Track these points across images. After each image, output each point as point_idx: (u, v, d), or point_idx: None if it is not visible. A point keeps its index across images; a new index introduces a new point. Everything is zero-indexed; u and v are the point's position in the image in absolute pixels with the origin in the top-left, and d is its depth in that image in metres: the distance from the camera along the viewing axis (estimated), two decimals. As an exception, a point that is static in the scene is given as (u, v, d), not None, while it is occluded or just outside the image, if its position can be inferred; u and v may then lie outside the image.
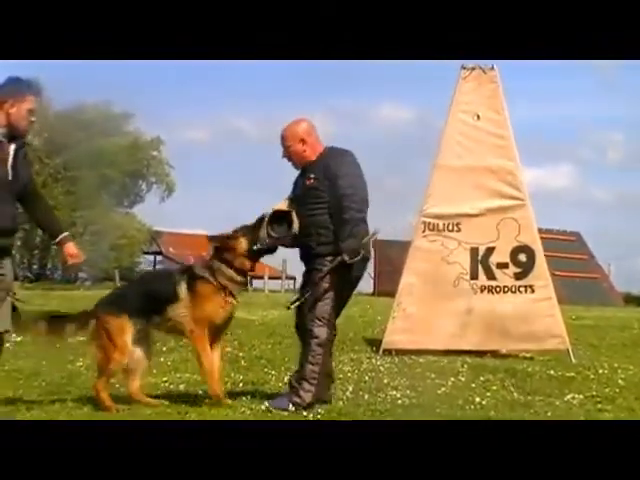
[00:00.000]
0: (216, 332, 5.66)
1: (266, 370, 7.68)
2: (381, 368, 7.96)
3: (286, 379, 6.98)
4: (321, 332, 5.52)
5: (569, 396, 6.44)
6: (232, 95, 69.63)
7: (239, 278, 5.65)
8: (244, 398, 5.84)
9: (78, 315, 5.75)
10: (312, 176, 5.62)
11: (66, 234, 5.34)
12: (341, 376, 6.95)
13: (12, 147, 5.09)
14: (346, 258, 5.36)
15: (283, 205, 5.73)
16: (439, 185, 9.48)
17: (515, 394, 6.59)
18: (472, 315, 9.28)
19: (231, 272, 5.60)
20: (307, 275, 5.70)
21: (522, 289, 9.32)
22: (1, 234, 5.02)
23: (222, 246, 5.67)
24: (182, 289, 5.57)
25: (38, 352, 8.66)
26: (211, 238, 5.78)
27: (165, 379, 7.00)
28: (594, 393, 6.64)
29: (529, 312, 9.25)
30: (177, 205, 51.82)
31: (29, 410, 5.38)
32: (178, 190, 43.04)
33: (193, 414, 5.28)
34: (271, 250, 5.77)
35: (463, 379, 7.32)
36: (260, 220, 5.63)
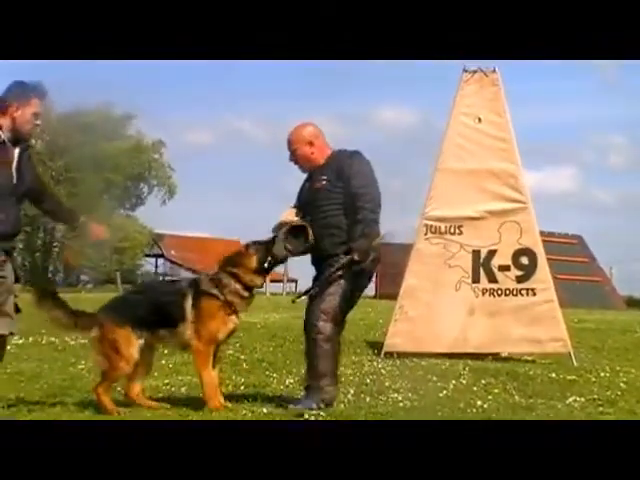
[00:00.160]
0: (217, 346, 5.64)
1: (267, 373, 7.67)
2: (383, 371, 7.95)
3: (287, 382, 7.01)
4: (326, 328, 5.49)
5: (571, 399, 6.42)
6: (233, 97, 69.65)
7: (247, 294, 5.63)
8: (245, 401, 5.81)
9: (80, 314, 5.66)
10: (323, 178, 5.62)
11: (84, 218, 5.49)
12: (343, 379, 6.90)
13: (16, 151, 5.10)
14: (356, 257, 5.35)
15: (291, 214, 5.71)
16: (441, 188, 9.48)
17: (517, 397, 6.56)
18: (474, 318, 9.27)
19: (239, 288, 5.58)
20: (318, 275, 5.69)
21: (524, 292, 9.29)
22: (3, 237, 5.02)
23: (233, 261, 5.64)
24: (188, 305, 5.53)
25: (40, 354, 8.69)
26: (248, 246, 5.67)
27: (166, 381, 6.99)
28: (596, 396, 6.61)
29: (531, 315, 9.23)
30: (179, 208, 51.96)
31: (30, 412, 5.36)
32: (180, 193, 43.24)
33: (194, 416, 5.25)
34: (283, 262, 5.79)
35: (465, 382, 7.30)
36: (274, 237, 5.60)
